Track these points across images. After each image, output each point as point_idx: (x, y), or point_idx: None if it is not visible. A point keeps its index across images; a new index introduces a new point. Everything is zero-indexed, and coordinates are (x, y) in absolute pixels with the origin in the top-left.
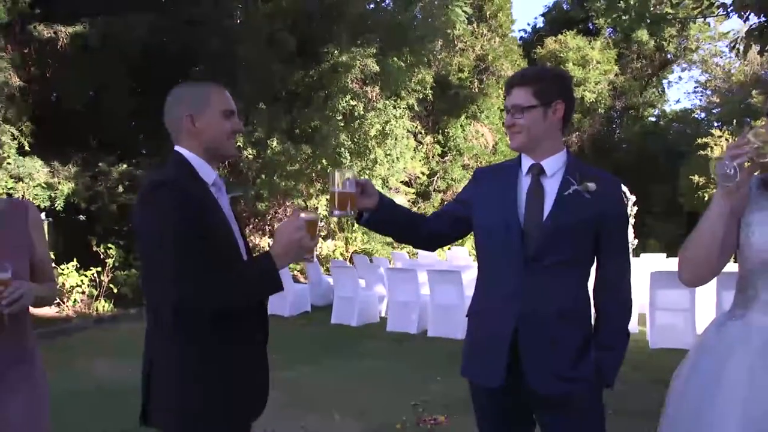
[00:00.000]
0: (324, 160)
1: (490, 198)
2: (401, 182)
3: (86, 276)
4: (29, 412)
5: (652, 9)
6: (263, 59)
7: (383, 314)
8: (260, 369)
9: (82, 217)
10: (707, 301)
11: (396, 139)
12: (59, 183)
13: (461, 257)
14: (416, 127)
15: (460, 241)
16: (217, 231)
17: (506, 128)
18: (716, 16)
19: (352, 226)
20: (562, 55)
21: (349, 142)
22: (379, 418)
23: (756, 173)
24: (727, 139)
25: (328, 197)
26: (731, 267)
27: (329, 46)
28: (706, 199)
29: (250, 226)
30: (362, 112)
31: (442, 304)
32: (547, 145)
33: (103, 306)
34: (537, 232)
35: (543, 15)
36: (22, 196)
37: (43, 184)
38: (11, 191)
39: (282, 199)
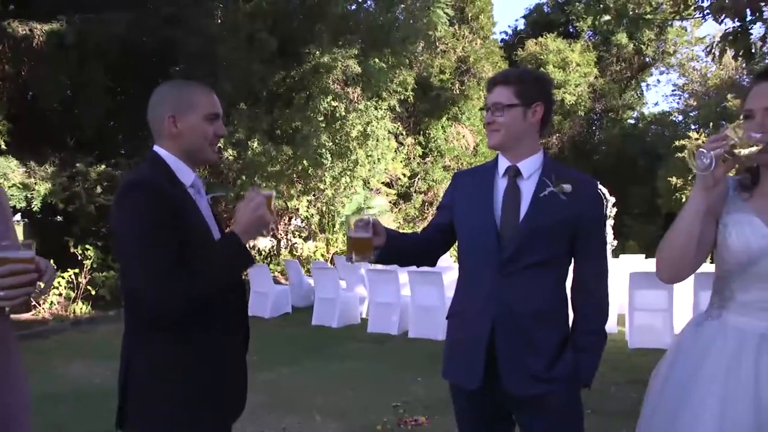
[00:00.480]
0: (305, 161)
1: (468, 201)
2: (382, 183)
3: (63, 278)
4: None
5: (630, 12)
6: (244, 59)
7: (364, 315)
8: (239, 370)
9: (59, 218)
10: (685, 302)
11: (377, 140)
12: (35, 183)
13: (442, 258)
14: (397, 128)
15: None
16: (194, 232)
17: (485, 126)
18: (693, 18)
19: (333, 227)
20: (542, 57)
21: (331, 143)
22: (360, 419)
23: (732, 174)
24: (703, 142)
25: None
26: (708, 267)
27: (310, 46)
28: (683, 200)
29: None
30: (343, 113)
31: (422, 306)
32: (525, 146)
33: (81, 308)
34: (513, 234)
35: (524, 17)
36: None
37: (19, 185)
38: None
39: None
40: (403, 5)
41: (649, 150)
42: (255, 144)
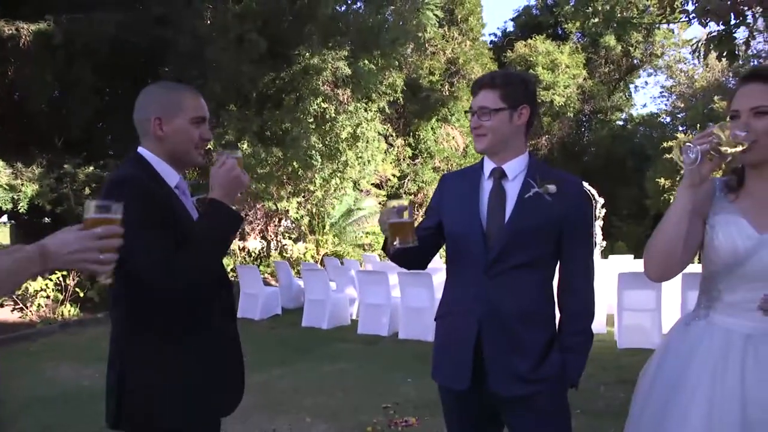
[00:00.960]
0: (295, 163)
1: (454, 203)
2: (372, 185)
3: (51, 280)
4: None
5: (618, 14)
6: (233, 60)
7: (354, 317)
8: (234, 363)
9: (46, 220)
10: (673, 302)
11: (367, 141)
12: (22, 185)
13: (432, 260)
14: (387, 129)
15: None
16: (185, 229)
17: (472, 129)
18: (679, 22)
19: (323, 228)
20: (531, 59)
21: (320, 145)
22: (350, 420)
23: (719, 175)
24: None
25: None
26: (696, 268)
27: (300, 48)
28: (671, 201)
29: None
30: (333, 115)
31: (412, 307)
32: (511, 148)
33: (69, 310)
34: (499, 235)
35: (513, 19)
36: None
37: (5, 186)
38: None
39: (253, 201)
40: (392, 7)
41: (637, 151)
42: (245, 146)
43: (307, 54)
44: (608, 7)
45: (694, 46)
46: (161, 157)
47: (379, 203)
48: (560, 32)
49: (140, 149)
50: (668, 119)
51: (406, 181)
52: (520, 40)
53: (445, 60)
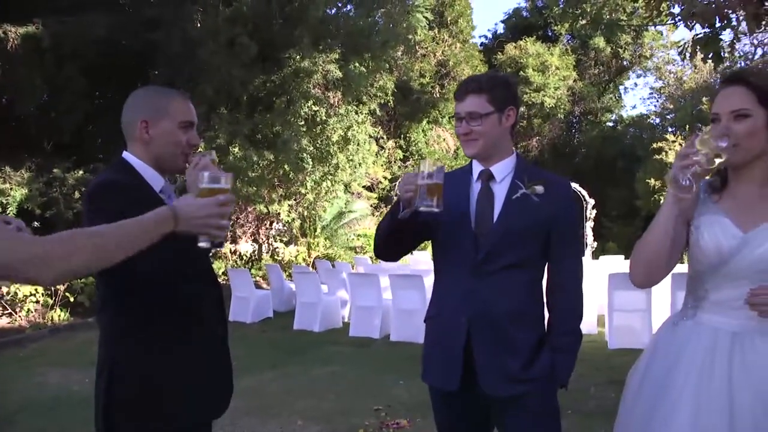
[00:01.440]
0: (286, 166)
1: (444, 204)
2: (363, 187)
3: None
4: None
5: (607, 16)
6: (224, 63)
7: (346, 319)
8: (223, 366)
9: (36, 224)
10: (663, 302)
11: (358, 144)
12: (11, 189)
13: (423, 261)
14: (378, 132)
15: (423, 245)
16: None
17: (461, 135)
18: (666, 24)
19: (315, 231)
20: (522, 61)
21: (312, 148)
22: (342, 423)
23: (707, 177)
24: (680, 144)
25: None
26: (685, 268)
27: (291, 51)
28: (661, 201)
29: None
30: (324, 118)
31: (404, 309)
32: (500, 150)
33: (59, 315)
34: (487, 236)
35: (503, 21)
36: None
37: None
38: None
39: (244, 204)
40: (382, 10)
41: (627, 152)
42: (236, 149)
43: (298, 57)
44: (596, 9)
45: (682, 48)
46: (146, 161)
47: (371, 206)
48: (550, 34)
49: (125, 154)
50: (658, 120)
51: (397, 183)
52: (511, 42)
53: (435, 62)
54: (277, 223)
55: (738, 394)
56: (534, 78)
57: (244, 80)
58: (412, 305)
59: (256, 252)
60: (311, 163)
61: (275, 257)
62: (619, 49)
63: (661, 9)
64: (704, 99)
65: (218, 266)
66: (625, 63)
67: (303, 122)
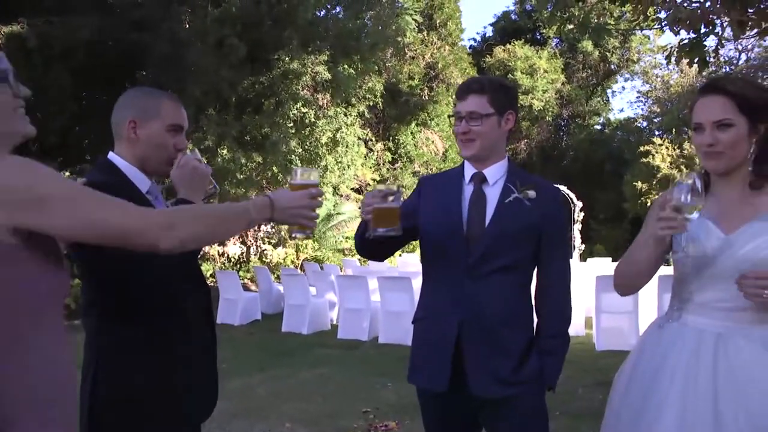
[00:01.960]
0: (274, 167)
1: (434, 206)
2: (352, 189)
3: None
4: None
5: (595, 20)
6: (212, 65)
7: (334, 322)
8: (210, 368)
9: None
10: (650, 304)
11: (347, 146)
12: None
13: (411, 264)
14: (367, 134)
15: (411, 247)
16: None
17: (459, 134)
18: (653, 29)
19: None
20: (510, 63)
21: (300, 150)
22: (330, 425)
23: (688, 181)
24: (667, 147)
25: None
26: (671, 271)
27: (280, 52)
28: (648, 204)
29: None
30: (313, 120)
31: (392, 311)
32: (495, 153)
33: None
34: (479, 239)
35: (492, 24)
36: None
37: None
38: None
39: None
40: (371, 12)
41: (615, 155)
42: (224, 151)
43: (287, 58)
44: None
45: (668, 52)
46: (132, 162)
47: (359, 208)
48: (539, 37)
49: (110, 154)
50: (645, 123)
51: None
52: (499, 45)
53: (424, 65)
54: (266, 225)
55: (723, 395)
56: (522, 81)
57: (232, 81)
58: (400, 307)
59: (244, 254)
60: (300, 164)
61: (263, 259)
62: (607, 53)
63: (648, 14)
64: (690, 103)
65: (206, 268)
66: (612, 67)
67: (292, 124)
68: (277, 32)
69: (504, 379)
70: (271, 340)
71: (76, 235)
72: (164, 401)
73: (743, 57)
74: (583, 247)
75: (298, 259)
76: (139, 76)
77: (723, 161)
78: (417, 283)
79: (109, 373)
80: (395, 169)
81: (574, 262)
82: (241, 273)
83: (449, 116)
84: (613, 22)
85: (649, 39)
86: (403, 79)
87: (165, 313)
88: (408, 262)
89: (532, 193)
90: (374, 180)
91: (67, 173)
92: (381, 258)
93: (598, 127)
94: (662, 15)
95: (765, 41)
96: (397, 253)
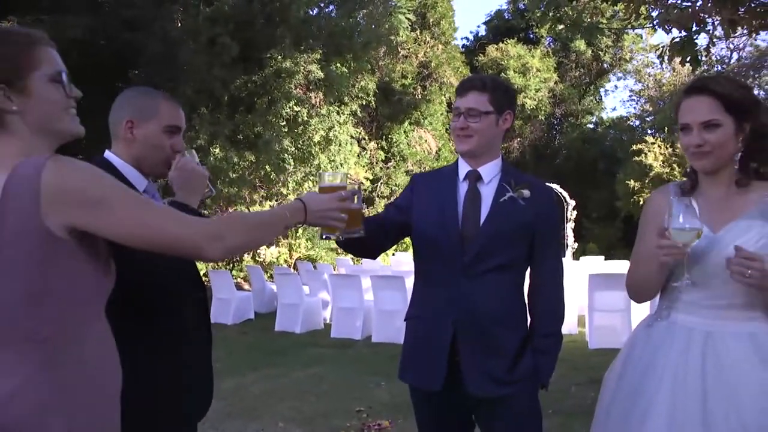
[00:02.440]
0: (267, 166)
1: (428, 204)
2: None
3: None
4: None
5: (588, 20)
6: (205, 63)
7: (327, 321)
8: (205, 368)
9: None
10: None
11: (340, 145)
12: None
13: (405, 262)
14: (360, 133)
15: (405, 246)
16: None
17: (456, 130)
18: (645, 28)
19: (296, 232)
20: (503, 62)
21: (293, 148)
22: (324, 425)
23: (684, 204)
24: (659, 146)
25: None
26: None
27: (272, 51)
28: (641, 203)
29: None
30: (306, 118)
31: (385, 310)
32: (490, 151)
33: None
34: (474, 238)
35: (485, 23)
36: None
37: None
38: None
39: (225, 205)
40: (364, 11)
41: (608, 154)
42: (217, 149)
43: (279, 57)
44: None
45: (660, 51)
46: (128, 162)
47: None
48: (531, 36)
49: (107, 153)
50: (637, 122)
51: (379, 184)
52: (492, 44)
53: (417, 63)
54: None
55: (712, 394)
56: (515, 80)
57: (225, 80)
58: (393, 306)
59: None
60: (293, 163)
61: (256, 258)
62: (600, 52)
63: (639, 12)
64: None
65: (199, 267)
66: (605, 66)
67: (284, 123)
68: (269, 31)
69: (499, 378)
70: (264, 339)
71: (124, 238)
72: (165, 401)
73: (735, 56)
74: (575, 245)
75: (291, 258)
76: (132, 76)
77: (710, 161)
78: (410, 282)
79: None
80: (388, 167)
81: (567, 260)
82: (234, 272)
83: (448, 112)
84: (605, 21)
85: (641, 38)
86: (396, 78)
87: (166, 314)
88: (401, 260)
89: (526, 193)
90: (367, 179)
91: None
92: (370, 257)
93: (591, 125)
94: (655, 14)
95: (756, 40)
96: (390, 251)
